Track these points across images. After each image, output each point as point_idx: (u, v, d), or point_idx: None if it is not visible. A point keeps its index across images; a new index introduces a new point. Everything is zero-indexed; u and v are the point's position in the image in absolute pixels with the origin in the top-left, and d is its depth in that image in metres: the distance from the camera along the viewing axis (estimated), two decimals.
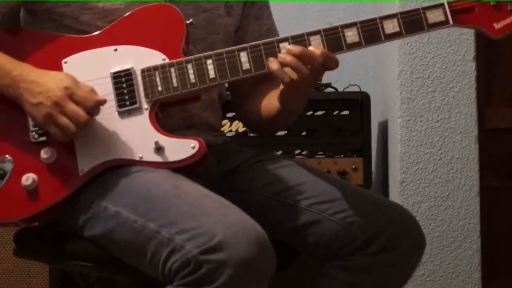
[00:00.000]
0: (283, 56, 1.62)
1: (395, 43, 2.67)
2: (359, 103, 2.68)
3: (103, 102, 1.63)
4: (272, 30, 1.92)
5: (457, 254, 2.68)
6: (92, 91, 1.63)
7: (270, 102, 1.81)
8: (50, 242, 1.73)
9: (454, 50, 2.68)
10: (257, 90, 1.87)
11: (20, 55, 1.68)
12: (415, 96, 2.68)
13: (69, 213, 1.66)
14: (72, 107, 1.60)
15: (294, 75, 1.62)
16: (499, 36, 1.64)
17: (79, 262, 1.69)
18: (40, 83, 1.62)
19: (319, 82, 2.71)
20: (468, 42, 2.68)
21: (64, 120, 1.60)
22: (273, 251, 1.50)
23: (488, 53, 2.75)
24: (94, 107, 1.62)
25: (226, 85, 1.91)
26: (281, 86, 1.70)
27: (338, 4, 3.12)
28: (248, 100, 1.90)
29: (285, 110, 1.77)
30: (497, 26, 1.63)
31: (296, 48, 1.62)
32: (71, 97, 1.61)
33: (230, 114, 2.62)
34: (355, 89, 2.75)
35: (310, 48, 1.62)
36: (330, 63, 1.62)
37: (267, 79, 1.87)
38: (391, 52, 2.73)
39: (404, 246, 1.69)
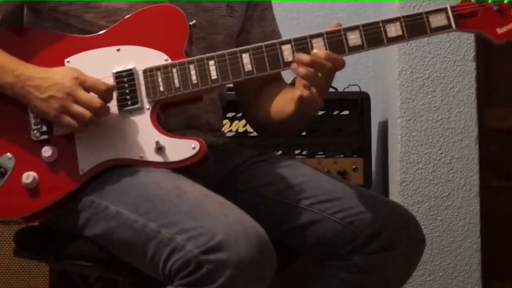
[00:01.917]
0: (295, 67, 1.62)
1: None
2: (359, 103, 2.68)
3: (113, 86, 1.63)
4: (275, 32, 1.92)
5: (457, 254, 2.68)
6: (100, 80, 1.63)
7: (283, 106, 1.79)
8: (50, 242, 1.73)
9: (454, 50, 2.69)
10: (266, 91, 1.87)
11: (23, 54, 1.68)
12: (415, 96, 2.68)
13: (70, 212, 1.66)
14: (85, 94, 1.60)
15: (308, 85, 1.62)
16: (502, 41, 1.63)
17: (79, 262, 1.69)
18: (47, 78, 1.63)
19: None
20: (468, 42, 2.68)
21: (78, 108, 1.60)
22: (274, 251, 1.50)
23: (488, 53, 2.75)
24: (106, 91, 1.62)
25: (231, 85, 1.91)
26: (297, 93, 1.68)
27: (338, 4, 3.12)
28: (256, 101, 1.89)
29: (299, 114, 1.76)
30: (500, 31, 1.63)
31: (305, 57, 1.61)
32: (82, 85, 1.61)
33: (230, 114, 2.63)
34: (355, 89, 2.75)
35: (314, 51, 1.62)
36: (336, 64, 1.62)
37: (274, 79, 1.87)
38: (391, 52, 2.73)
39: (403, 246, 1.68)
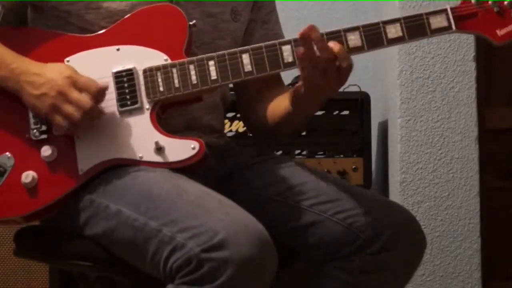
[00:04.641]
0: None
1: None
2: (359, 103, 2.68)
3: (105, 87, 1.63)
4: (279, 36, 1.90)
5: (457, 254, 2.68)
6: (92, 79, 1.63)
7: (279, 103, 1.80)
8: (50, 242, 1.73)
9: (454, 50, 2.69)
10: (265, 95, 1.87)
11: (23, 53, 1.67)
12: (415, 96, 2.69)
13: (70, 212, 1.66)
14: (76, 94, 1.60)
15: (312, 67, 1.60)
16: (502, 43, 1.62)
17: (79, 262, 1.69)
18: (41, 74, 1.63)
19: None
20: (468, 42, 2.68)
21: (69, 108, 1.60)
22: (275, 250, 1.50)
23: (488, 53, 2.76)
24: (98, 91, 1.61)
25: (231, 85, 1.90)
26: (296, 87, 1.67)
27: (338, 4, 3.12)
28: (255, 106, 1.88)
29: (296, 111, 1.75)
30: (500, 32, 1.62)
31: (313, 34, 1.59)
32: (74, 84, 1.61)
33: (230, 114, 2.63)
34: (355, 89, 2.75)
35: (330, 43, 1.60)
36: (343, 62, 1.61)
37: (275, 84, 1.87)
38: (391, 52, 2.73)
39: (404, 246, 1.68)
